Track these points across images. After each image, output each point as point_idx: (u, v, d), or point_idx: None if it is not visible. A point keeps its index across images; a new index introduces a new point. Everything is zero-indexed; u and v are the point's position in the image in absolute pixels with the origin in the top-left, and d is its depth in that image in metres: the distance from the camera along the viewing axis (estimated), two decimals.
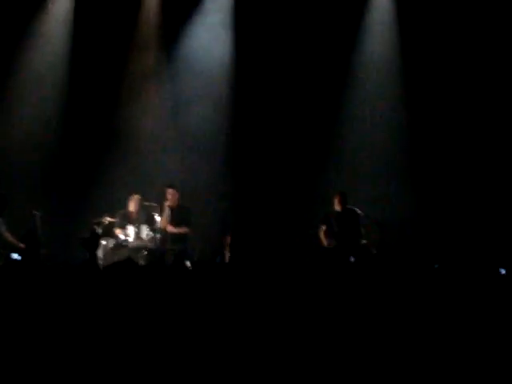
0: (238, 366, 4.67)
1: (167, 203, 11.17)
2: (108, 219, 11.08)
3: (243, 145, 12.66)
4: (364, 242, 10.82)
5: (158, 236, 11.02)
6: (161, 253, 10.86)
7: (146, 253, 10.96)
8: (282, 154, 12.61)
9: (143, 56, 12.89)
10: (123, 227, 11.09)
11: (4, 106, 12.43)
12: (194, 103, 12.67)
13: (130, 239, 10.97)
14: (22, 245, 10.52)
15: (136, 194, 11.36)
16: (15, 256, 9.90)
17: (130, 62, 12.80)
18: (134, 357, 4.73)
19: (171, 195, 11.22)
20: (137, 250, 10.93)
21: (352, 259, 10.31)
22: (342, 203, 11.01)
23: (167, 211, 11.14)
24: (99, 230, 10.63)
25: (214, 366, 4.64)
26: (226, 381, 4.53)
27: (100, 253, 10.68)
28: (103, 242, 10.85)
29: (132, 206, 11.28)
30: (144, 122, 12.63)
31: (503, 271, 9.61)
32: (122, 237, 11.00)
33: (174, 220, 11.13)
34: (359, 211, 11.00)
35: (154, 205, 11.31)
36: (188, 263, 9.99)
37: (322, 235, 11.02)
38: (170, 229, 11.08)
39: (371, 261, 10.02)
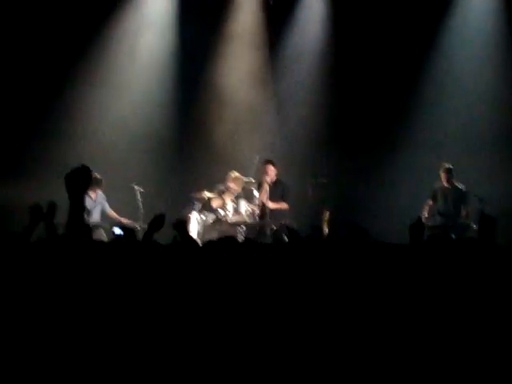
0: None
1: (266, 178, 11.20)
2: (207, 194, 11.21)
3: (344, 121, 12.51)
4: (468, 219, 10.58)
5: (257, 211, 11.06)
6: (259, 228, 10.91)
7: (244, 228, 11.03)
8: (382, 133, 12.41)
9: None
10: (222, 202, 11.19)
11: (111, 83, 12.59)
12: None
13: (229, 214, 11.07)
14: (125, 220, 10.78)
15: (234, 169, 11.43)
16: (118, 231, 10.11)
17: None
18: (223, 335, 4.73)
19: (270, 170, 11.24)
20: (235, 225, 11.01)
21: (453, 236, 10.07)
22: (449, 178, 10.82)
23: (266, 186, 11.17)
24: (193, 210, 10.83)
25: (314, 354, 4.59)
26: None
27: (199, 228, 10.83)
28: (202, 217, 10.99)
29: (230, 182, 11.35)
30: (242, 92, 12.64)
31: None
32: (221, 212, 11.10)
33: (273, 195, 11.15)
34: (464, 187, 10.78)
35: (253, 180, 11.34)
36: (286, 239, 9.98)
37: (425, 210, 10.84)
38: (269, 204, 11.11)
39: (472, 239, 9.76)
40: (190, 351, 4.59)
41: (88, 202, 10.54)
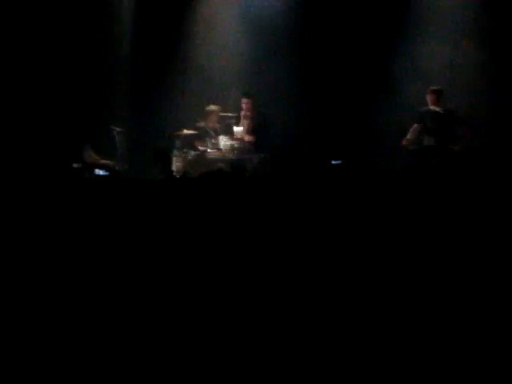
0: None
1: (243, 112, 11.12)
2: (185, 132, 11.09)
3: (319, 48, 12.16)
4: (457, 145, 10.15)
5: (237, 146, 10.97)
6: (240, 163, 10.84)
7: (224, 164, 10.96)
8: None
9: None
10: (201, 139, 11.12)
11: None
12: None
13: (210, 150, 10.99)
14: (105, 161, 10.64)
15: (212, 104, 11.31)
16: (100, 172, 10.00)
17: None
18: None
19: (246, 104, 11.14)
20: (216, 161, 10.93)
21: (437, 160, 9.81)
22: (437, 101, 10.24)
23: (243, 120, 11.10)
24: (173, 148, 10.73)
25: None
26: None
27: (179, 165, 10.74)
28: (182, 155, 10.90)
29: (209, 117, 11.25)
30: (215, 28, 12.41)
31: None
32: (201, 148, 11.02)
33: (251, 129, 11.07)
34: (456, 111, 10.27)
35: (231, 115, 11.25)
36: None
37: (412, 133, 10.30)
38: (246, 138, 11.04)
39: (456, 162, 9.43)
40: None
41: None
